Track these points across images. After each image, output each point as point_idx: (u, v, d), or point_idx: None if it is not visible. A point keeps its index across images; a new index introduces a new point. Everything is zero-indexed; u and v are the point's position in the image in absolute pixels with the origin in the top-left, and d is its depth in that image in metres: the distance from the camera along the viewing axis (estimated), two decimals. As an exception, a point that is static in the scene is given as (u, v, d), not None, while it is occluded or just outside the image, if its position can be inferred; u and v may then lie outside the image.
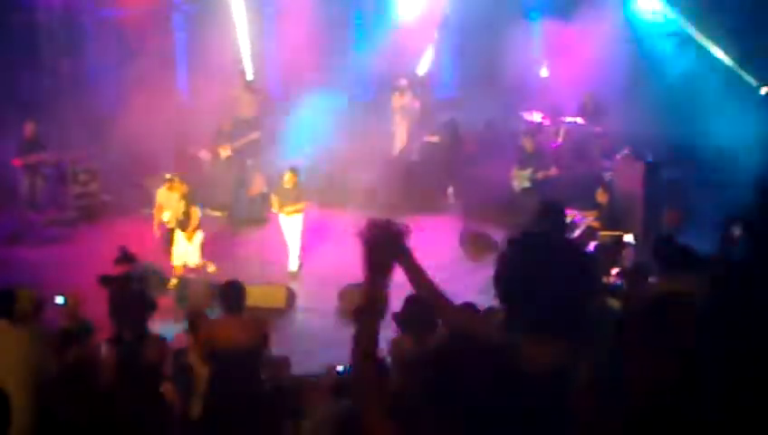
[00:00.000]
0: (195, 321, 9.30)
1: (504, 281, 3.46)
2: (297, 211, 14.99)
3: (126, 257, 10.90)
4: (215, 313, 10.20)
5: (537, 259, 3.39)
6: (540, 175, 16.19)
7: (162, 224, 14.69)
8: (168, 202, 14.55)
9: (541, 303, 3.34)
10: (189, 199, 14.54)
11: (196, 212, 14.58)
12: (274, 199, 15.08)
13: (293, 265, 15.05)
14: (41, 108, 18.88)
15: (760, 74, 19.15)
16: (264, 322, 9.44)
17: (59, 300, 9.68)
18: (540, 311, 3.33)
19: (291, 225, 15.00)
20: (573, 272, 3.38)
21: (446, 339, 4.81)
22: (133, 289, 9.99)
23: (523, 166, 16.32)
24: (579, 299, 3.39)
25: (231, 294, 8.80)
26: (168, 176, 14.80)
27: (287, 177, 14.94)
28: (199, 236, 14.52)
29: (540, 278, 3.34)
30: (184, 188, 14.52)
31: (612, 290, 9.85)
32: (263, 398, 8.40)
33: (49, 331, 8.45)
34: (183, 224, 14.40)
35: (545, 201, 9.46)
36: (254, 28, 21.62)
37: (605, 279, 10.44)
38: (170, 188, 14.52)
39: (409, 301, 8.34)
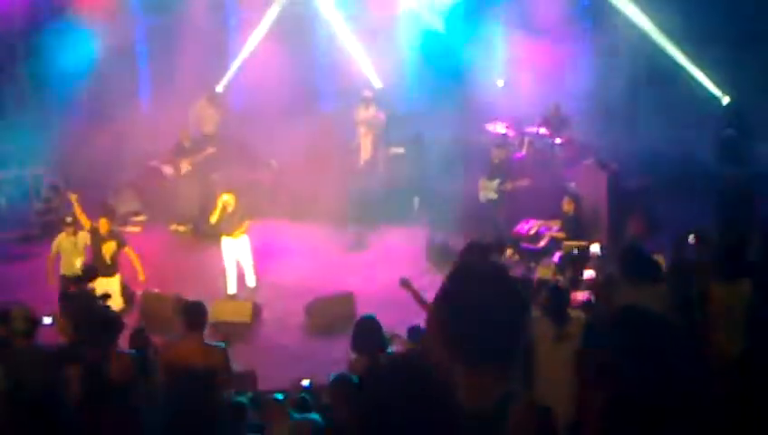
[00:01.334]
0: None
1: (443, 314, 3.48)
2: (243, 232, 14.50)
3: (89, 274, 10.81)
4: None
5: (473, 291, 3.42)
6: (507, 186, 16.23)
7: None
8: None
9: (478, 332, 3.37)
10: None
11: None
12: (221, 231, 14.59)
13: (251, 281, 14.68)
14: (3, 121, 18.77)
15: (723, 85, 19.33)
16: (222, 343, 9.34)
17: (47, 320, 9.47)
18: (477, 341, 3.36)
19: (239, 246, 14.52)
20: (507, 301, 3.42)
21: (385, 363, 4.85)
22: (96, 306, 9.91)
23: (490, 177, 16.37)
24: (515, 327, 3.43)
25: (192, 314, 8.74)
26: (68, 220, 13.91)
27: (229, 199, 14.44)
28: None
29: (476, 309, 3.37)
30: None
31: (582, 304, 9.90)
32: (220, 415, 8.34)
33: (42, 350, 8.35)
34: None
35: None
36: (219, 40, 21.61)
37: (572, 290, 10.47)
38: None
39: (359, 323, 8.46)
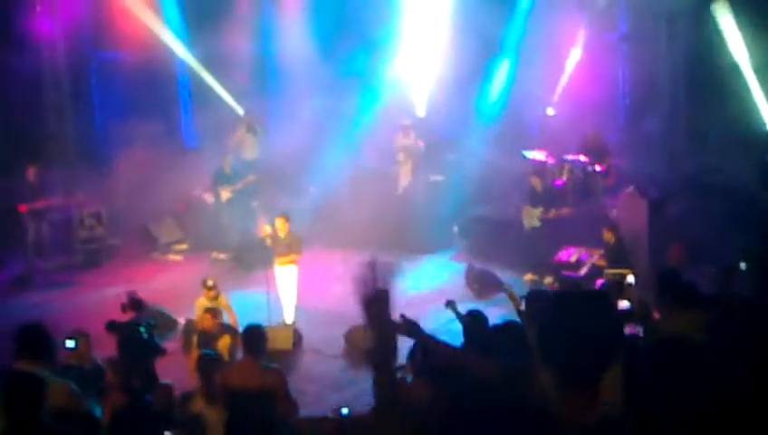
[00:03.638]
0: (206, 366, 9.28)
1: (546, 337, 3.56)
2: (290, 262, 14.45)
3: (133, 303, 10.88)
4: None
5: (572, 319, 3.48)
6: (551, 214, 16.21)
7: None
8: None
9: (577, 358, 3.43)
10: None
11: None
12: (278, 260, 14.49)
13: (289, 317, 14.56)
14: (46, 152, 19.01)
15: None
16: (280, 368, 9.41)
17: (70, 344, 9.55)
18: (577, 365, 3.42)
19: (285, 276, 14.52)
20: (607, 328, 3.49)
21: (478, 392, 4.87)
22: (141, 336, 9.98)
23: (533, 204, 16.36)
24: (610, 351, 3.49)
25: (253, 338, 8.84)
26: (209, 283, 13.26)
27: (278, 224, 14.41)
28: None
29: (575, 336, 3.44)
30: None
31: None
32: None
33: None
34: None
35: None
36: (258, 68, 21.81)
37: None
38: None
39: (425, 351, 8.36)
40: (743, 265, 10.80)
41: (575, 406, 3.45)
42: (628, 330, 10.26)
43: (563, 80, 20.39)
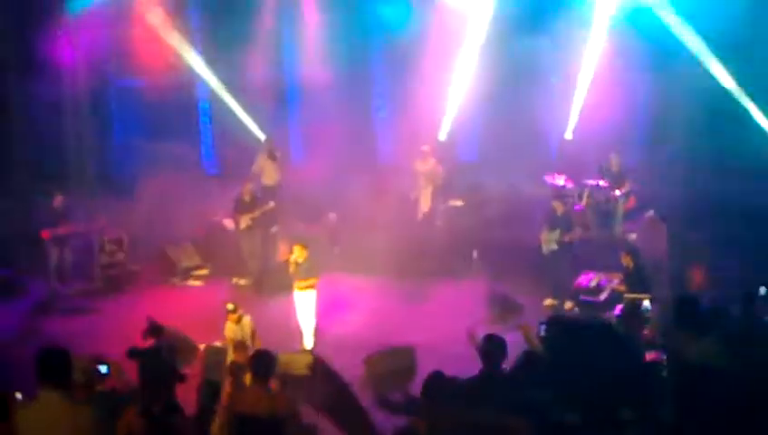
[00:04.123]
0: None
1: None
2: (309, 286, 14.41)
3: (154, 329, 10.92)
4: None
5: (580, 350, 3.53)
6: (567, 238, 16.19)
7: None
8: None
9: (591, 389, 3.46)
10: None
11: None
12: (296, 284, 14.45)
13: (308, 342, 14.49)
14: (67, 178, 19.14)
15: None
16: (292, 393, 9.41)
17: (103, 369, 9.41)
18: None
19: (303, 301, 14.47)
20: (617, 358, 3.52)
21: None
22: (162, 361, 10.01)
23: (551, 228, 16.35)
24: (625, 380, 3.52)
25: (261, 363, 8.80)
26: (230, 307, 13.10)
27: (296, 252, 14.39)
28: None
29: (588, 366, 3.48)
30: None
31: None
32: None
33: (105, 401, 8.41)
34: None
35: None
36: (278, 94, 21.95)
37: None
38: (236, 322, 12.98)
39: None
40: (763, 290, 10.75)
41: None
42: (650, 356, 10.21)
43: (582, 103, 20.41)
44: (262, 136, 20.65)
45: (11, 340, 14.83)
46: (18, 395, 8.07)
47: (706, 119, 19.67)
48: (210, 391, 9.63)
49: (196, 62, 21.25)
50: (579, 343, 3.41)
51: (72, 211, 17.70)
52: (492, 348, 8.15)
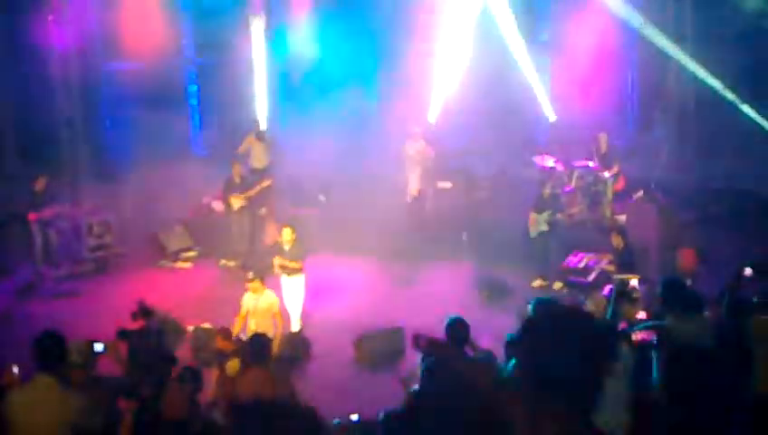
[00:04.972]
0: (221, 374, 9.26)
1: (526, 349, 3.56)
2: (296, 271, 14.33)
3: (143, 311, 10.89)
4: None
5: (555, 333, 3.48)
6: (560, 216, 16.20)
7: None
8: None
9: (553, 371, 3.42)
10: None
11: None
12: (275, 261, 14.45)
13: (296, 325, 14.36)
14: (56, 160, 19.05)
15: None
16: (288, 373, 9.39)
17: (98, 347, 9.08)
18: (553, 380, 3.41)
19: (291, 286, 14.38)
20: (589, 345, 3.47)
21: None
22: (151, 343, 9.98)
23: (539, 210, 16.33)
24: (592, 372, 3.47)
25: (259, 345, 8.79)
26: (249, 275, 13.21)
27: (285, 234, 14.36)
28: None
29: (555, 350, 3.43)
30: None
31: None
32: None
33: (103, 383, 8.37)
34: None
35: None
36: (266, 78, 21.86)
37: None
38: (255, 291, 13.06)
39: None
40: (748, 271, 10.77)
41: (543, 419, 3.43)
42: (641, 336, 10.18)
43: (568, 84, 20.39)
44: (252, 119, 20.53)
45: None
46: (15, 369, 8.00)
47: (696, 100, 19.69)
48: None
49: (185, 44, 21.19)
50: (560, 331, 3.38)
51: (59, 194, 17.61)
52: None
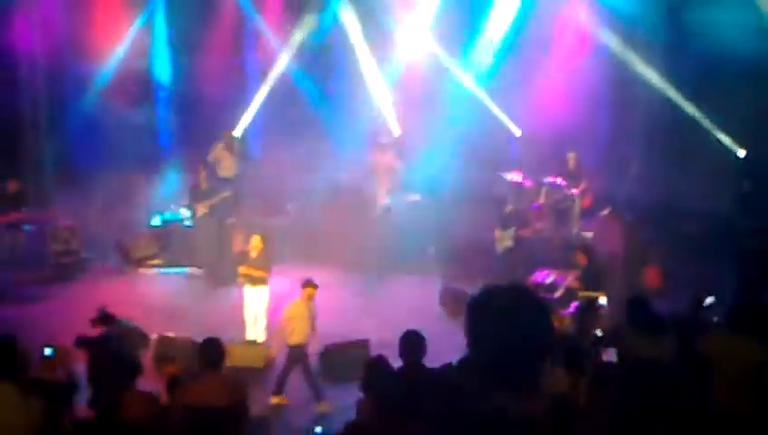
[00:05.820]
0: (174, 381, 9.16)
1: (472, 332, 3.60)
2: (260, 281, 14.24)
3: (104, 318, 10.77)
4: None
5: (499, 314, 3.51)
6: (525, 232, 16.24)
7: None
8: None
9: (502, 354, 3.45)
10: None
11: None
12: (240, 270, 14.39)
13: (259, 335, 14.31)
14: (22, 165, 18.90)
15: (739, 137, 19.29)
16: (243, 380, 9.32)
17: (47, 351, 9.19)
18: (500, 361, 3.43)
19: (255, 296, 14.29)
20: (534, 326, 3.50)
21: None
22: (111, 350, 9.88)
23: (504, 226, 16.37)
24: (538, 352, 3.51)
25: (210, 350, 8.65)
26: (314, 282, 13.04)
27: (254, 242, 14.28)
28: None
29: (501, 331, 3.46)
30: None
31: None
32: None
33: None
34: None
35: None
36: (238, 84, 21.84)
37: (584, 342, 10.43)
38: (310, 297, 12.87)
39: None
40: (710, 299, 10.95)
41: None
42: (604, 357, 10.21)
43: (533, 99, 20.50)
44: (220, 126, 20.45)
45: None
46: None
47: (665, 119, 19.80)
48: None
49: (155, 47, 21.14)
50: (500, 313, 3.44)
51: (25, 198, 17.47)
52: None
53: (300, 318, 12.60)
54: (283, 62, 21.23)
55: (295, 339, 12.54)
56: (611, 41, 19.92)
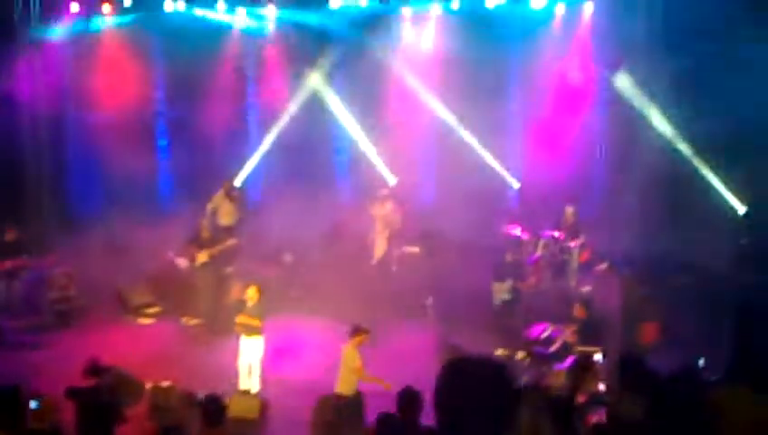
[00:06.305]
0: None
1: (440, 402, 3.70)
2: (256, 330, 14.20)
3: (94, 369, 10.74)
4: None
5: (466, 387, 3.60)
6: (524, 285, 16.22)
7: None
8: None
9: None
10: None
11: None
12: (237, 320, 14.36)
13: (254, 386, 14.25)
14: (21, 211, 18.93)
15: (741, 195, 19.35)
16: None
17: (33, 404, 9.22)
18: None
19: (250, 345, 14.25)
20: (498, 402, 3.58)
21: None
22: (101, 401, 9.83)
23: (501, 278, 16.35)
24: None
25: (211, 409, 8.67)
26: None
27: (250, 292, 14.26)
28: None
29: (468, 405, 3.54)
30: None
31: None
32: None
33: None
34: None
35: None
36: (239, 133, 21.98)
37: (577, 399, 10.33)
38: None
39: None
40: (701, 362, 10.94)
41: None
42: (595, 418, 10.12)
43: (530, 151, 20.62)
44: (223, 175, 20.52)
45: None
46: None
47: (664, 174, 19.85)
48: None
49: (156, 98, 21.30)
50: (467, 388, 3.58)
51: (24, 245, 17.47)
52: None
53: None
54: (284, 111, 21.40)
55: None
56: (612, 95, 20.04)
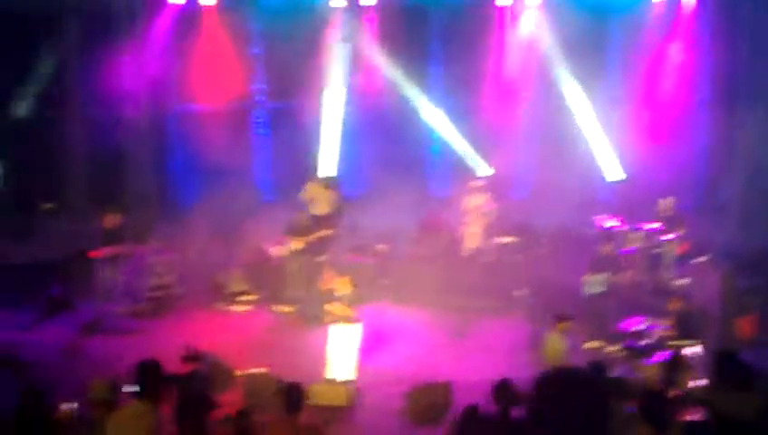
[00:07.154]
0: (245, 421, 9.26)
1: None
2: (350, 319, 14.38)
3: (191, 356, 10.95)
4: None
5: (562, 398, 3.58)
6: (619, 278, 15.98)
7: None
8: None
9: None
10: None
11: None
12: (329, 308, 14.63)
13: (348, 373, 14.13)
14: (124, 200, 19.38)
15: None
16: (321, 424, 9.35)
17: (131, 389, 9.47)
18: None
19: (344, 334, 14.31)
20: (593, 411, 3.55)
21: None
22: (195, 389, 10.00)
23: (596, 270, 16.12)
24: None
25: (291, 396, 8.76)
26: None
27: (343, 282, 14.54)
28: None
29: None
30: None
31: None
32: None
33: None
34: None
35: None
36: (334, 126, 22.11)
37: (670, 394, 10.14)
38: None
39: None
40: None
41: None
42: (689, 416, 9.85)
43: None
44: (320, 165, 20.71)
45: (55, 356, 15.00)
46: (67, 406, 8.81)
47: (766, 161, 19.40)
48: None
49: (256, 87, 21.59)
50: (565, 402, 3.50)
51: (126, 232, 17.85)
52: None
53: None
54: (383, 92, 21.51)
55: None
56: (712, 87, 19.65)
